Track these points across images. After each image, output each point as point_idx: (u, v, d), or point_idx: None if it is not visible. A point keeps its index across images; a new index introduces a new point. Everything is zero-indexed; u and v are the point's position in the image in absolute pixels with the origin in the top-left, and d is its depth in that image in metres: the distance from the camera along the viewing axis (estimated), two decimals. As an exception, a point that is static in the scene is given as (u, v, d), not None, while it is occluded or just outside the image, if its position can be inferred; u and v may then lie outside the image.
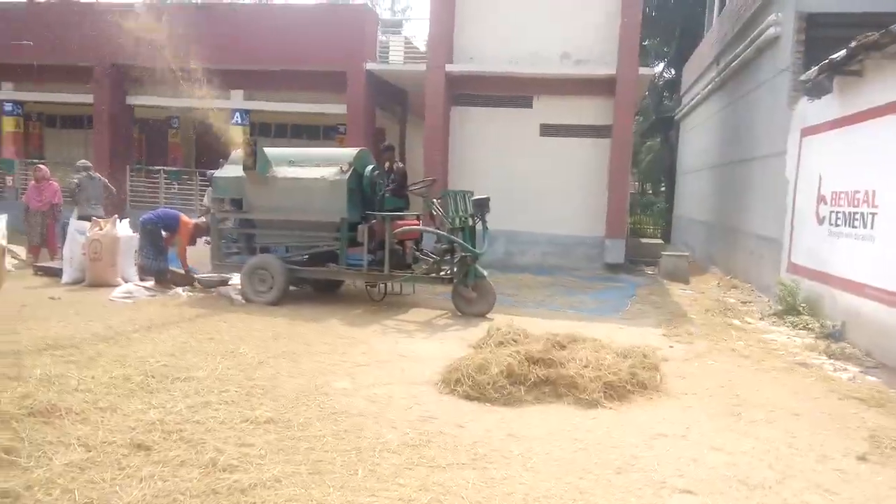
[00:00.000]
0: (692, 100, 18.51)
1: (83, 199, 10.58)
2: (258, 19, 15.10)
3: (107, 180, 10.83)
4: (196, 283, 9.27)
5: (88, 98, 15.25)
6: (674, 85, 25.24)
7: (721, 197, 14.41)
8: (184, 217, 9.52)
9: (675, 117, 22.29)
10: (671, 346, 6.95)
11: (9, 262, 9.91)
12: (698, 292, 11.11)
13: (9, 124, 16.14)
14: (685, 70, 21.14)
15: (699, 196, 17.31)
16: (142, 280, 9.37)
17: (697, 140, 18.27)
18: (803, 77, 8.96)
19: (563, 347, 5.58)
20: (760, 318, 8.76)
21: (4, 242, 9.09)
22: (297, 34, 13.94)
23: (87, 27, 13.94)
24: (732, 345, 7.13)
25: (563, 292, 10.42)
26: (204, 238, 9.39)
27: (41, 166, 11.32)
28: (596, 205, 13.23)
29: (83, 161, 10.82)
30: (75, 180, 10.72)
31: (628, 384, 5.04)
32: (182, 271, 9.42)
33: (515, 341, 5.77)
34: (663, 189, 29.24)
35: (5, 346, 5.68)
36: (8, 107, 16.09)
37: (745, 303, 10.05)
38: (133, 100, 15.56)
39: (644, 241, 18.81)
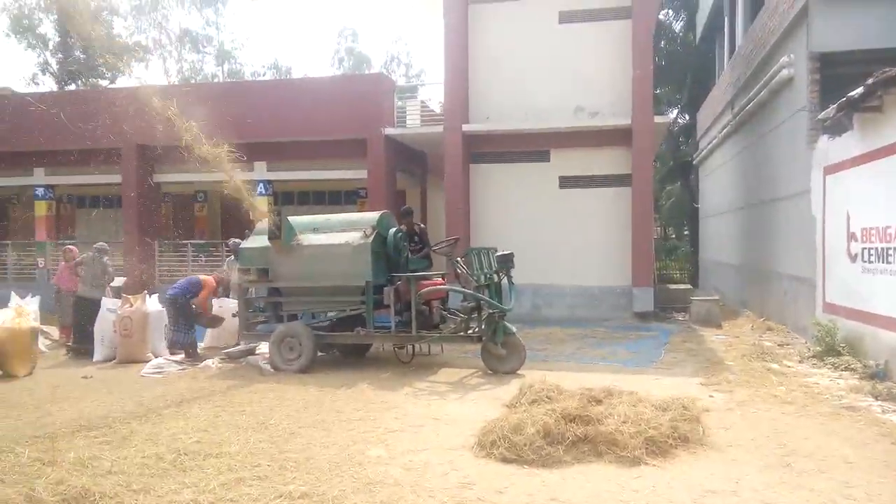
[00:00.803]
0: (709, 143, 18.55)
1: (87, 278, 10.46)
2: (279, 94, 15.56)
3: (109, 264, 10.73)
4: (224, 354, 9.31)
5: (117, 178, 15.70)
6: (689, 130, 25.36)
7: (748, 238, 14.25)
8: (203, 277, 9.73)
9: (693, 161, 22.31)
10: (711, 396, 6.75)
11: (41, 342, 10.05)
12: (733, 337, 10.86)
13: (41, 208, 16.63)
14: (699, 115, 21.26)
15: (725, 238, 17.14)
16: (172, 354, 9.42)
17: (718, 183, 18.21)
18: (821, 116, 8.93)
19: (599, 402, 5.44)
20: (800, 361, 8.51)
21: (37, 323, 9.30)
22: (317, 106, 14.31)
23: (113, 111, 14.46)
24: (774, 391, 6.91)
25: (594, 344, 10.25)
26: (232, 312, 9.51)
27: (71, 248, 11.57)
28: (621, 253, 13.15)
29: (100, 243, 10.90)
30: (79, 258, 10.83)
31: (670, 438, 4.88)
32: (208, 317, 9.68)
33: (550, 398, 5.65)
34: (686, 233, 29.03)
35: (39, 429, 5.69)
36: (40, 191, 16.61)
37: (783, 345, 9.79)
38: (160, 177, 15.99)
39: (672, 286, 18.54)
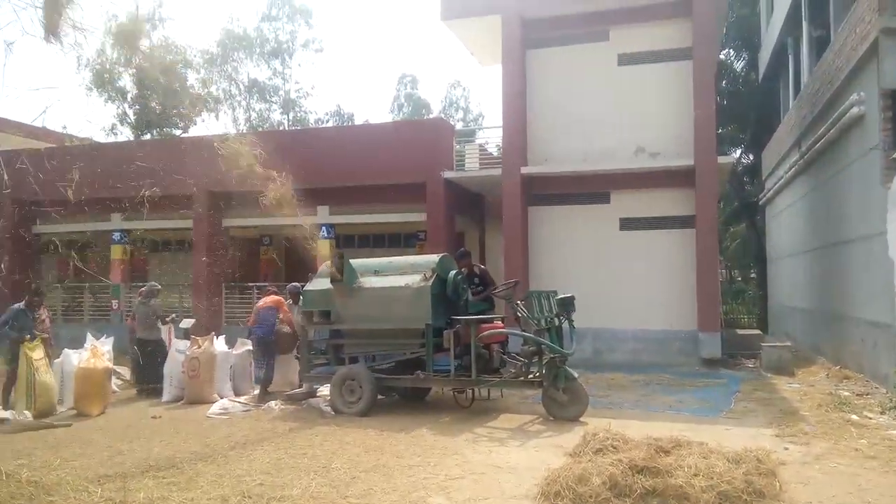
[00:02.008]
0: (775, 184, 18.06)
1: (140, 321, 10.69)
2: (342, 140, 16.00)
3: (157, 304, 10.91)
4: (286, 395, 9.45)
5: (188, 223, 16.33)
6: (754, 169, 24.78)
7: (821, 281, 13.70)
8: (269, 302, 10.03)
9: (760, 202, 21.72)
10: (786, 448, 6.43)
11: (113, 382, 10.41)
12: (807, 385, 10.36)
13: (117, 252, 17.41)
14: (764, 155, 20.77)
15: (796, 282, 16.51)
16: (237, 395, 9.62)
17: (787, 223, 17.65)
18: (896, 155, 8.61)
19: (667, 453, 5.25)
20: (881, 412, 8.03)
21: (110, 364, 9.66)
22: (378, 151, 14.64)
23: (185, 159, 15.14)
24: (855, 444, 6.53)
25: (660, 391, 9.94)
26: (294, 353, 9.69)
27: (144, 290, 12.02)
28: (685, 297, 12.81)
29: (150, 284, 11.20)
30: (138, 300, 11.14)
31: (745, 494, 4.65)
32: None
33: (615, 448, 5.48)
34: (753, 275, 28.13)
35: (111, 468, 5.86)
36: (116, 236, 17.41)
37: (862, 395, 9.27)
38: (228, 222, 16.55)
39: (740, 331, 17.89)
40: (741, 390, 9.92)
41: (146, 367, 10.24)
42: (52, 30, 5.91)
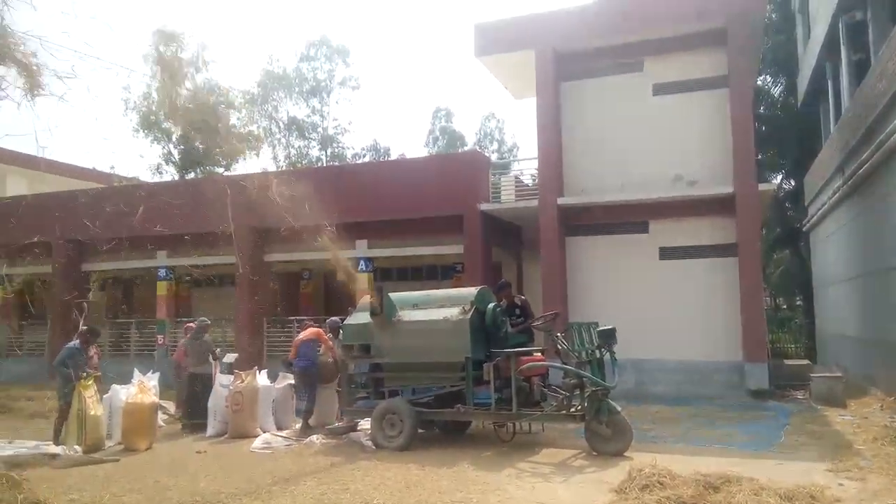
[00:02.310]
0: (819, 209, 17.69)
1: (193, 355, 10.87)
2: (379, 175, 16.25)
3: (208, 340, 11.11)
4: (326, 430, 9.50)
5: (231, 259, 16.65)
6: (796, 195, 24.32)
7: (872, 308, 13.28)
8: (309, 334, 10.17)
9: (803, 228, 21.27)
10: (841, 484, 6.20)
11: (160, 417, 10.58)
12: (860, 417, 10.00)
13: (161, 288, 17.83)
14: (806, 180, 20.40)
15: (845, 309, 16.03)
16: (279, 430, 9.70)
17: (833, 250, 17.22)
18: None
19: (716, 490, 5.13)
20: (943, 446, 7.70)
21: (157, 399, 9.85)
22: (414, 185, 14.82)
23: (227, 197, 15.51)
24: (915, 480, 6.27)
25: (706, 424, 9.69)
26: (335, 385, 9.79)
27: (191, 325, 12.26)
28: (730, 327, 12.56)
29: (200, 319, 11.44)
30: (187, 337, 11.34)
31: (799, 532, 4.51)
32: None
33: (662, 484, 5.38)
34: (799, 303, 27.41)
35: (158, 502, 5.95)
36: (161, 272, 17.85)
37: (921, 428, 8.90)
38: (270, 257, 16.84)
39: (787, 361, 17.40)
40: (791, 423, 9.63)
41: (194, 402, 10.40)
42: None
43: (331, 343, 10.17)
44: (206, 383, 10.47)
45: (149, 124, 28.22)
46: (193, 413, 10.41)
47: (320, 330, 10.39)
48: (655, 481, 5.44)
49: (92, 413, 8.83)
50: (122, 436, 9.12)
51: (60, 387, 9.13)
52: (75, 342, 9.42)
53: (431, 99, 72.19)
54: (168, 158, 29.63)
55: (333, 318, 10.87)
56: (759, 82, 23.10)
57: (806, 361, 17.98)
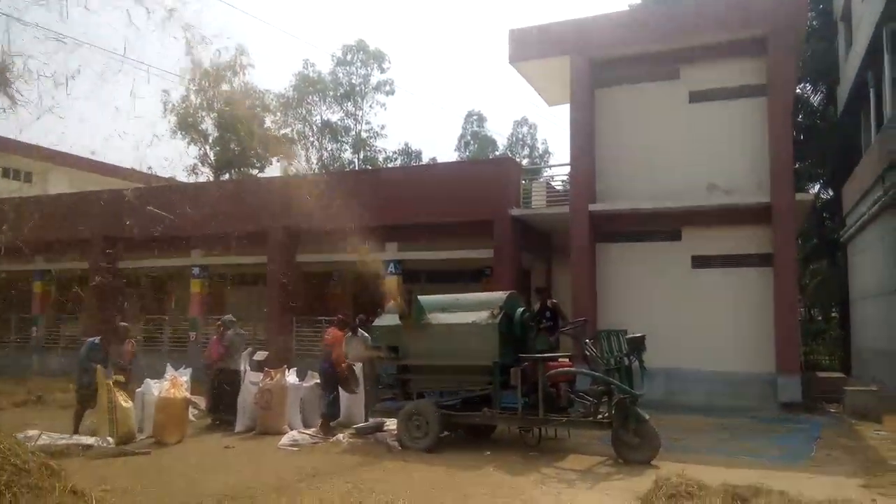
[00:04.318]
0: (858, 220, 17.30)
1: (230, 351, 10.97)
2: (411, 179, 16.35)
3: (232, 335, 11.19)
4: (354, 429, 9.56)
5: (263, 258, 16.89)
6: (834, 205, 23.82)
7: (910, 323, 12.95)
8: (328, 339, 10.15)
9: (841, 239, 20.81)
10: (874, 500, 6.05)
11: (190, 411, 10.76)
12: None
13: (195, 286, 18.15)
14: (845, 191, 19.97)
15: (883, 322, 15.63)
16: (306, 428, 9.79)
17: (872, 262, 16.82)
18: None
19: (745, 502, 5.06)
20: (984, 466, 7.49)
21: (189, 394, 10.02)
22: (446, 190, 14.85)
23: (262, 198, 15.75)
24: (953, 499, 6.10)
25: (737, 436, 9.55)
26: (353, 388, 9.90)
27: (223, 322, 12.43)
28: (763, 338, 12.35)
29: (227, 316, 11.58)
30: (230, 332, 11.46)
31: (830, 547, 4.43)
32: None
33: (689, 494, 5.33)
34: (835, 315, 26.79)
35: (188, 497, 6.05)
36: (196, 271, 18.17)
37: (960, 446, 8.66)
38: (301, 258, 17.03)
39: (821, 374, 17.02)
40: (823, 436, 9.44)
41: (224, 398, 10.53)
42: None
43: (340, 351, 9.97)
44: (235, 378, 10.59)
45: (186, 126, 28.76)
46: (220, 408, 10.54)
47: (340, 334, 10.21)
48: (683, 491, 5.38)
49: (122, 405, 9.02)
50: (154, 429, 9.28)
51: (78, 378, 9.56)
52: (95, 338, 9.82)
53: (464, 103, 72.39)
54: (204, 160, 30.14)
55: (359, 316, 10.86)
56: (798, 90, 22.69)
57: (840, 374, 17.57)
